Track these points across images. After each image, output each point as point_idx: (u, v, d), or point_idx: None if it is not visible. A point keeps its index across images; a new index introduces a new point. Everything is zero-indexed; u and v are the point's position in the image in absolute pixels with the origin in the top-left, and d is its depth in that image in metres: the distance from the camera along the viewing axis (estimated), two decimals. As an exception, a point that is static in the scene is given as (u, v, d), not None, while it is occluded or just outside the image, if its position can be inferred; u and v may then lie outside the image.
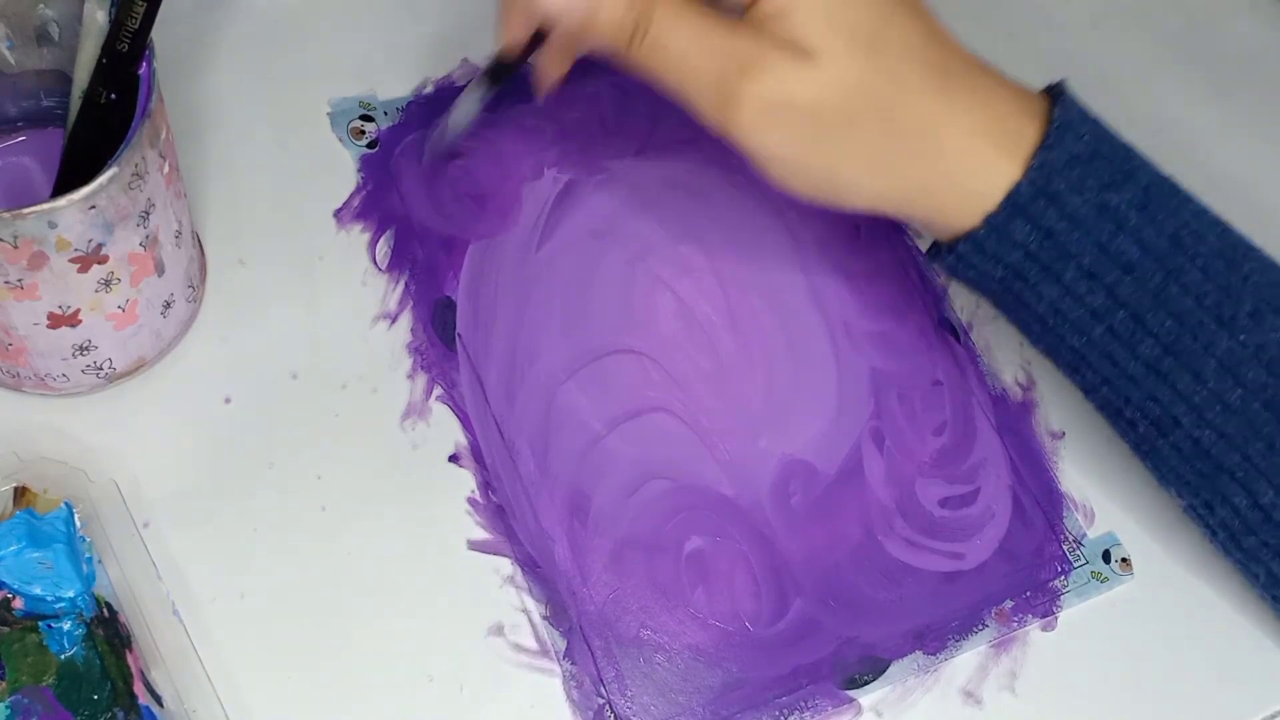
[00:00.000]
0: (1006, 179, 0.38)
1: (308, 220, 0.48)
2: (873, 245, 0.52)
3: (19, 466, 0.40)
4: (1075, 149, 0.38)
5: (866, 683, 0.43)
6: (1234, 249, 0.40)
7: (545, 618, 0.43)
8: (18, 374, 0.42)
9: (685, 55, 0.37)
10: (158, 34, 0.39)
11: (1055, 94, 0.40)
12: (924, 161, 0.38)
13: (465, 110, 0.45)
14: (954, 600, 0.45)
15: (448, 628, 0.42)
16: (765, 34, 0.37)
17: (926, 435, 0.48)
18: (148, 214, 0.39)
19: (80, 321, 0.40)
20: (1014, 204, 0.38)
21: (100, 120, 0.40)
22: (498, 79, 0.43)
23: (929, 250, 0.42)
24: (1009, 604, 0.46)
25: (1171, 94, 0.60)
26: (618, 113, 0.52)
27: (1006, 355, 0.50)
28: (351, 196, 0.49)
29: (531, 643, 0.42)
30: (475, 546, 0.44)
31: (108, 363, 0.42)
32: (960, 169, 0.38)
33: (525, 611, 0.43)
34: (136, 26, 0.38)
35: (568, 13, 0.37)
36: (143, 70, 0.39)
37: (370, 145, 0.50)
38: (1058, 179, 0.38)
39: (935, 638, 0.44)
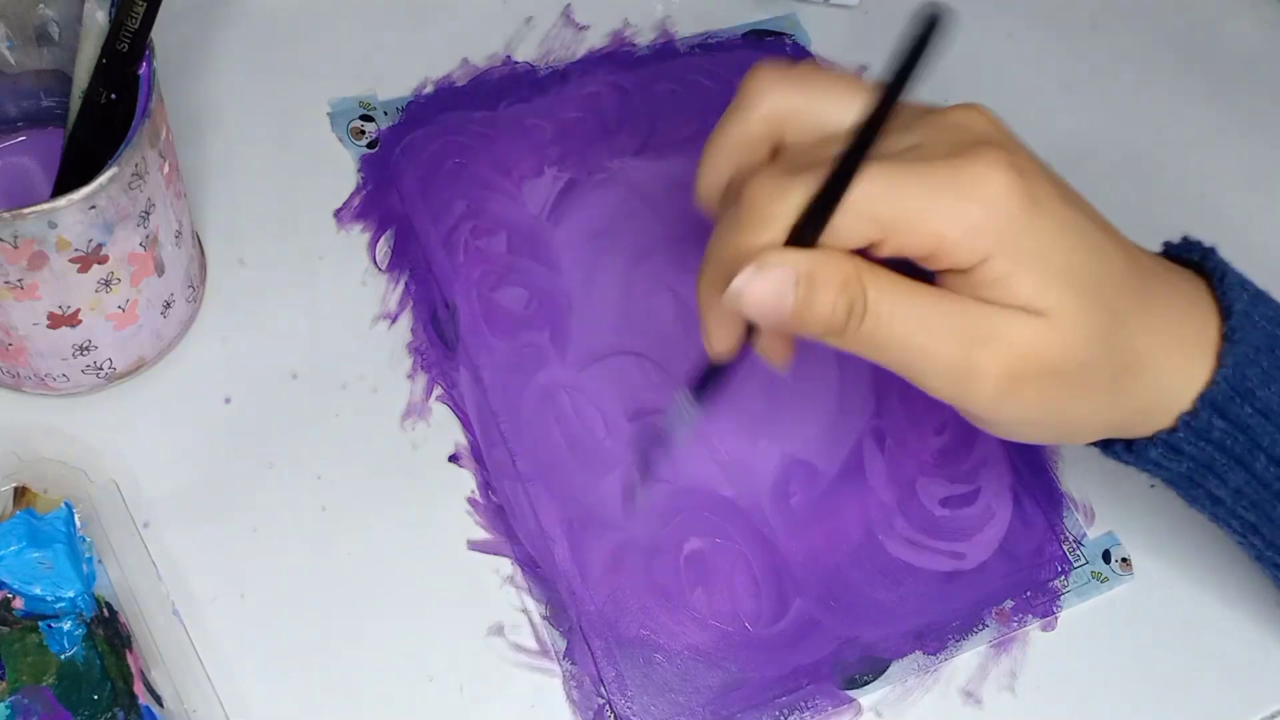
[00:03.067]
0: (1199, 379, 0.37)
1: (308, 220, 0.48)
2: (873, 245, 0.52)
3: (19, 466, 0.40)
4: (1257, 339, 0.37)
5: (867, 683, 0.43)
6: None
7: (545, 618, 0.43)
8: (18, 374, 0.42)
9: (910, 336, 0.34)
10: (158, 34, 0.39)
11: (1204, 266, 0.39)
12: (1140, 384, 0.37)
13: (682, 431, 0.42)
14: (954, 600, 0.45)
15: (448, 628, 0.42)
16: (992, 302, 0.34)
17: (927, 435, 0.48)
18: (148, 214, 0.39)
19: (80, 321, 0.40)
20: (1210, 403, 0.37)
21: (100, 120, 0.40)
22: (707, 387, 0.40)
23: (1101, 446, 0.40)
24: (1009, 604, 0.46)
25: (1171, 94, 0.60)
26: (618, 113, 0.53)
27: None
28: (351, 196, 0.49)
29: (531, 643, 0.42)
30: (475, 546, 0.44)
31: (108, 363, 0.42)
32: (1163, 379, 0.37)
33: (525, 611, 0.43)
34: (136, 26, 0.38)
35: (777, 312, 0.34)
36: (143, 70, 0.39)
37: (370, 145, 0.50)
38: (1248, 373, 0.37)
39: (935, 637, 0.44)
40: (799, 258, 0.34)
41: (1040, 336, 0.34)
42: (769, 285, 0.33)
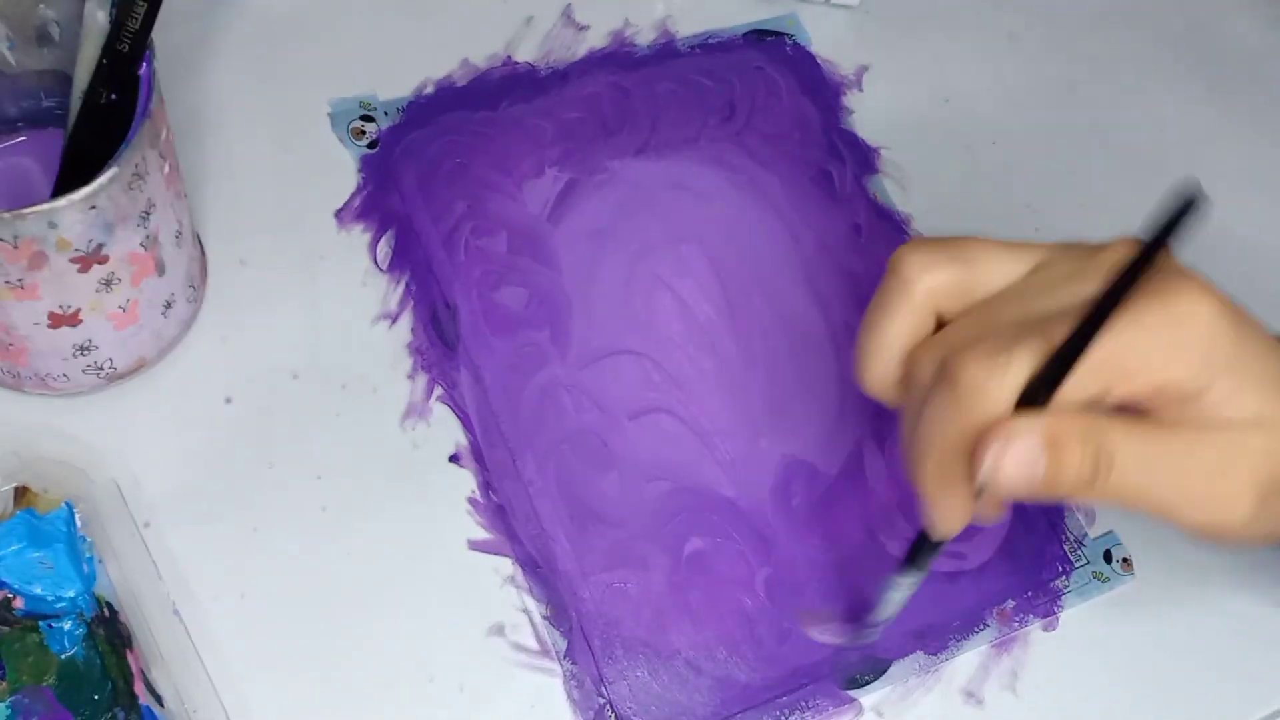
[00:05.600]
0: None
1: (308, 220, 0.48)
2: (873, 245, 0.52)
3: (19, 466, 0.40)
4: None
5: (867, 682, 0.43)
6: None
7: (546, 618, 0.43)
8: (18, 374, 0.42)
9: (1157, 477, 0.35)
10: (158, 34, 0.39)
11: None
12: None
13: (897, 603, 0.41)
14: (955, 600, 0.45)
15: (448, 628, 0.42)
16: (1220, 426, 0.35)
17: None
18: (148, 214, 0.39)
19: (81, 321, 0.40)
20: None
21: (100, 120, 0.40)
22: (926, 561, 0.40)
23: None
24: (1010, 604, 0.46)
25: (1171, 94, 0.60)
26: (618, 113, 0.53)
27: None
28: (352, 197, 0.49)
29: (532, 642, 0.42)
30: (475, 546, 0.44)
31: (108, 363, 0.42)
32: None
33: (526, 611, 0.43)
34: (137, 27, 0.38)
35: (1030, 480, 0.34)
36: (143, 70, 0.39)
37: (371, 145, 0.50)
38: None
39: (936, 637, 0.44)
40: (1040, 423, 0.34)
41: (1277, 444, 0.35)
42: (1021, 455, 0.34)
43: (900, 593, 0.40)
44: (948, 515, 0.37)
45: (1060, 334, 0.33)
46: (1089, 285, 0.35)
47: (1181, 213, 0.35)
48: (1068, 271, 0.36)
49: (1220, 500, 0.35)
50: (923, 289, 0.37)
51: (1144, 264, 0.34)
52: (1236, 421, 0.35)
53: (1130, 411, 0.35)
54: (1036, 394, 0.34)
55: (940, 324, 0.38)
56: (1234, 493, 0.35)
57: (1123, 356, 0.34)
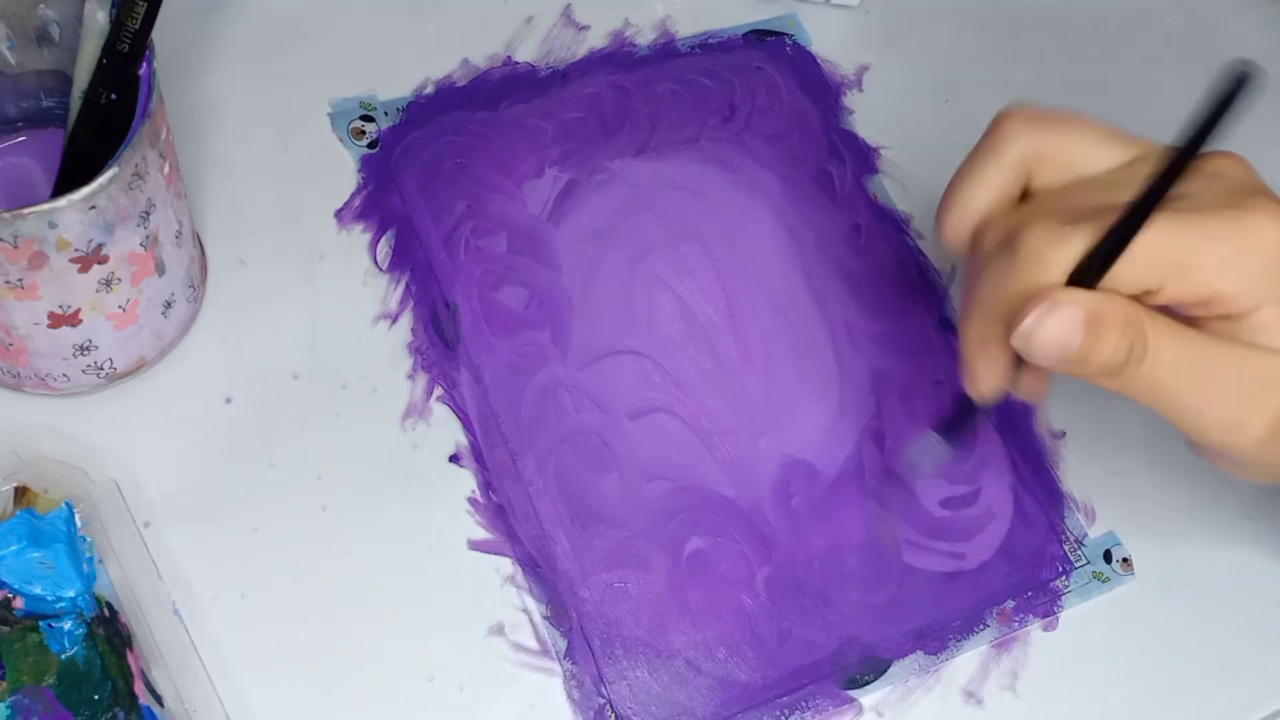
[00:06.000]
0: None
1: (308, 220, 0.48)
2: (872, 245, 0.52)
3: (19, 466, 0.40)
4: None
5: (867, 683, 0.43)
6: None
7: (546, 618, 0.43)
8: (18, 374, 0.42)
9: (1186, 380, 0.36)
10: (158, 34, 0.39)
11: None
12: None
13: (922, 463, 0.43)
14: (955, 600, 0.45)
15: (448, 628, 0.42)
16: (1268, 354, 0.36)
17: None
18: (148, 214, 0.39)
19: (81, 321, 0.40)
20: None
21: (100, 120, 0.40)
22: (958, 428, 0.41)
23: None
24: (1010, 604, 0.46)
25: (1171, 94, 0.60)
26: (618, 113, 0.52)
27: (1007, 355, 0.50)
28: (352, 197, 0.49)
29: (532, 642, 0.42)
30: (475, 546, 0.44)
31: (108, 363, 0.42)
32: None
33: (526, 611, 0.43)
34: (137, 27, 0.38)
35: (1063, 352, 0.35)
36: (143, 70, 0.39)
37: (371, 145, 0.50)
38: None
39: (936, 638, 0.44)
40: (1087, 298, 0.34)
41: None
42: (1061, 324, 0.34)
43: (927, 459, 0.41)
44: (984, 375, 0.37)
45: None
46: (1180, 183, 0.35)
47: (1232, 94, 0.35)
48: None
49: (1239, 420, 0.36)
50: (1019, 151, 0.38)
51: (1186, 157, 0.35)
52: (1275, 350, 0.36)
53: (1174, 316, 0.36)
54: (1088, 274, 0.34)
55: (1026, 198, 0.38)
56: (1253, 417, 0.36)
57: (1183, 254, 0.34)
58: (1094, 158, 0.37)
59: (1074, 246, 0.35)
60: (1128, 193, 0.35)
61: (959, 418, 0.40)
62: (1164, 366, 0.35)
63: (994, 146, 0.38)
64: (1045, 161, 0.38)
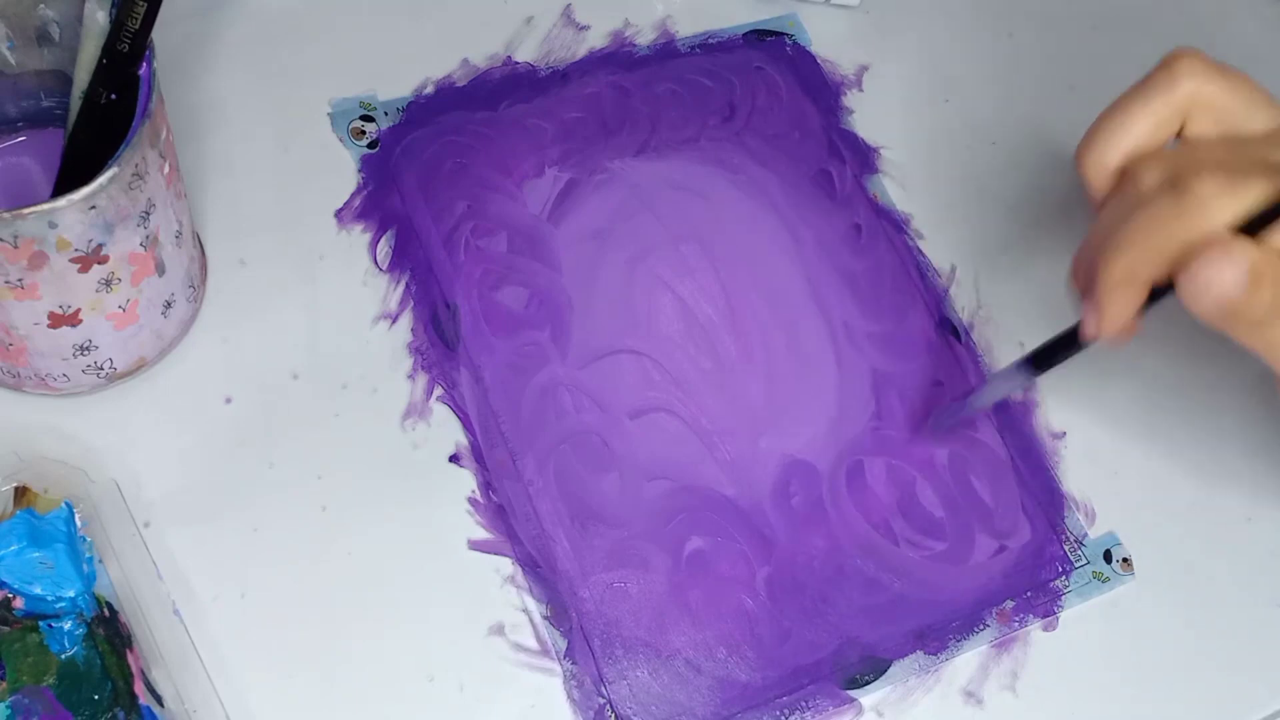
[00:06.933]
0: None
1: (308, 220, 0.48)
2: (873, 245, 0.52)
3: (19, 466, 0.40)
4: None
5: (867, 683, 0.43)
6: None
7: (546, 618, 0.43)
8: (18, 374, 0.42)
9: None
10: (158, 34, 0.39)
11: None
12: None
13: (998, 391, 0.43)
14: (955, 600, 0.45)
15: (448, 628, 0.42)
16: None
17: (927, 435, 0.48)
18: (148, 214, 0.39)
19: (81, 321, 0.40)
20: None
21: (100, 120, 0.40)
22: (1053, 361, 0.41)
23: None
24: (1010, 604, 0.46)
25: (1172, 94, 0.60)
26: (618, 113, 0.52)
27: (1007, 355, 0.50)
28: (352, 197, 0.49)
29: (532, 642, 0.42)
30: (475, 546, 0.44)
31: (108, 363, 0.42)
32: None
33: (526, 611, 0.43)
34: (137, 27, 0.38)
35: (1222, 298, 0.35)
36: (143, 70, 0.39)
37: (371, 145, 0.50)
38: None
39: (936, 638, 0.44)
40: (1254, 250, 0.35)
41: None
42: (1231, 272, 0.35)
43: (1003, 387, 0.42)
44: (1116, 312, 0.38)
45: None
46: None
47: None
48: None
49: None
50: (1187, 90, 0.38)
51: None
52: None
53: None
54: (1256, 226, 0.35)
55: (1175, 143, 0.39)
56: None
57: None
58: (1251, 117, 0.38)
59: (1245, 199, 0.35)
60: None
61: (1056, 352, 0.41)
62: None
63: (1166, 82, 0.39)
64: (1205, 109, 0.38)
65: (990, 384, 0.45)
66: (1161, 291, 0.37)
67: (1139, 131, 0.39)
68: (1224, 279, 0.35)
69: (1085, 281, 0.38)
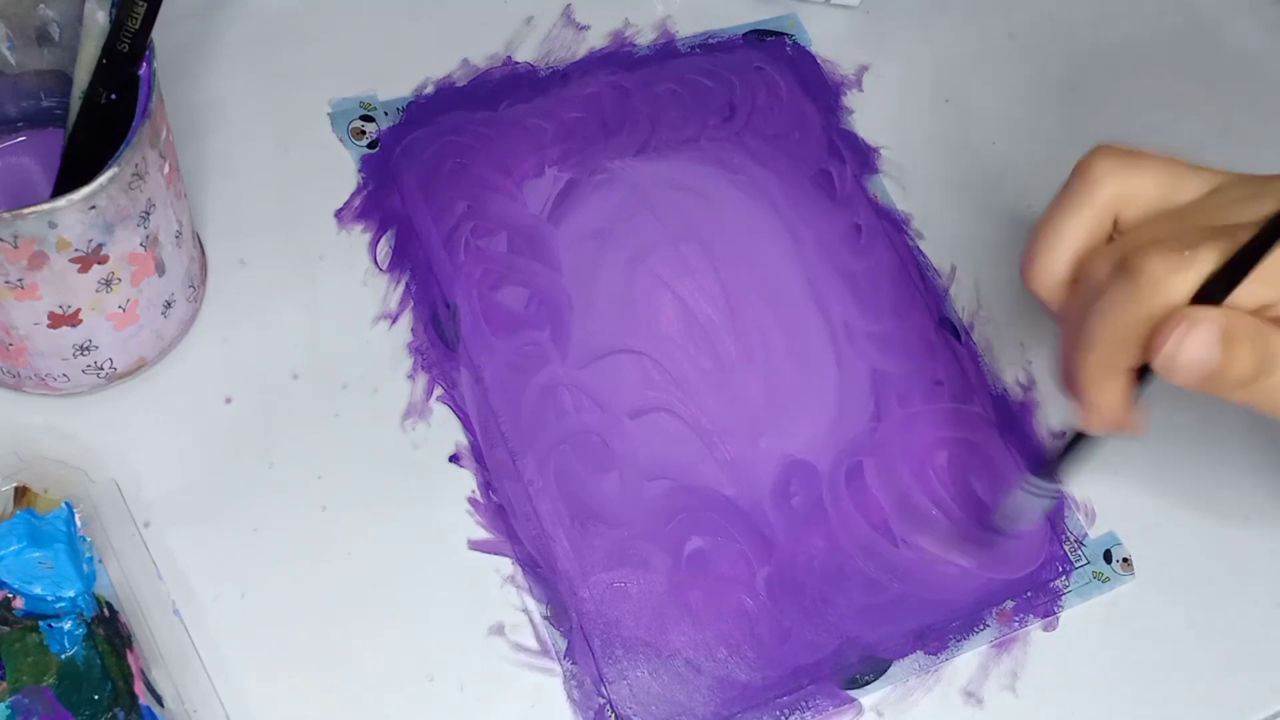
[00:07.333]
0: None
1: (308, 220, 0.48)
2: (873, 245, 0.52)
3: (19, 466, 0.40)
4: None
5: (867, 683, 0.43)
6: None
7: (546, 618, 0.43)
8: (18, 374, 0.42)
9: None
10: (158, 34, 0.39)
11: None
12: None
13: (1029, 514, 0.44)
14: (955, 600, 0.45)
15: (448, 628, 0.42)
16: None
17: (926, 436, 0.48)
18: (148, 214, 0.39)
19: (81, 321, 0.40)
20: None
21: (100, 120, 0.40)
22: (1069, 464, 0.41)
23: None
24: (1010, 604, 0.46)
25: (1171, 94, 0.60)
26: (618, 113, 0.53)
27: (1007, 355, 0.50)
28: (352, 197, 0.49)
29: (532, 642, 0.42)
30: (475, 546, 0.44)
31: (108, 363, 0.42)
32: None
33: (526, 611, 0.43)
34: (137, 27, 0.38)
35: (1203, 370, 0.36)
36: (143, 70, 0.39)
37: (371, 145, 0.50)
38: None
39: (936, 638, 0.44)
40: (1219, 314, 0.35)
41: None
42: (1202, 341, 0.35)
43: (1034, 502, 0.41)
44: (1107, 404, 0.38)
45: (1243, 238, 0.35)
46: (1268, 205, 0.37)
47: None
48: (1247, 193, 0.38)
49: None
50: (1109, 192, 0.39)
51: None
52: None
53: None
54: (1213, 293, 0.35)
55: (1112, 238, 0.39)
56: None
57: None
58: (1179, 191, 0.39)
59: (1198, 268, 0.36)
60: (1223, 216, 0.36)
61: (1067, 455, 0.41)
62: None
63: (1085, 189, 0.39)
64: (1131, 202, 0.39)
65: (1015, 504, 0.44)
66: (1148, 371, 0.37)
67: (1073, 240, 0.39)
68: (1194, 350, 0.35)
69: (1069, 383, 0.39)
